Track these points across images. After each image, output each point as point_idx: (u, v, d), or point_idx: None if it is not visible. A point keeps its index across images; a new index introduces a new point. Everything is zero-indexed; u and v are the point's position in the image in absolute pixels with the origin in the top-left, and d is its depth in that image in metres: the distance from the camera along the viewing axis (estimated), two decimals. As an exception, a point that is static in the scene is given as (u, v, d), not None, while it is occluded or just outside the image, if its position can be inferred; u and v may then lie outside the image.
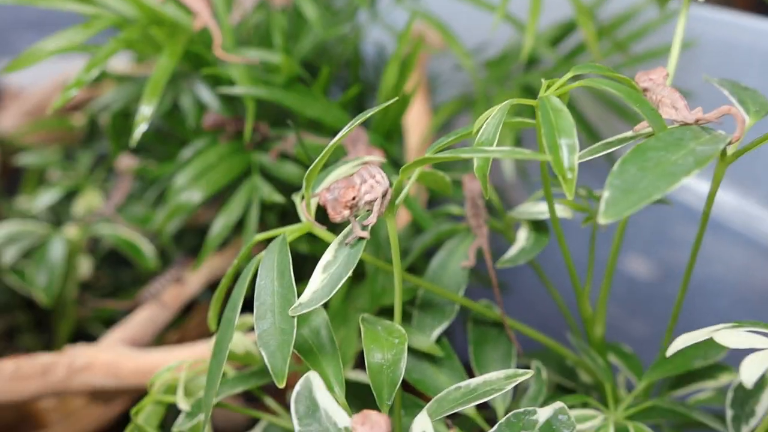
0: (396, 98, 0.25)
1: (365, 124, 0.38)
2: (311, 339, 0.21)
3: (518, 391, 0.26)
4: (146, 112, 0.29)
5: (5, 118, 0.57)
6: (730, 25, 0.36)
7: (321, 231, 0.22)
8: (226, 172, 0.33)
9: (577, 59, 0.41)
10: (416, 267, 0.31)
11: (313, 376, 0.19)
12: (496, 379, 0.20)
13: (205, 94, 0.36)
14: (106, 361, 0.33)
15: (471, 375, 0.25)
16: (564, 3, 0.37)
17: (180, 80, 0.37)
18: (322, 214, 0.22)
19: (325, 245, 0.21)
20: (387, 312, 0.28)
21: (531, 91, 0.41)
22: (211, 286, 0.41)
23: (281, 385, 0.18)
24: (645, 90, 0.22)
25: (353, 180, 0.19)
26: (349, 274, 0.18)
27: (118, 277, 0.47)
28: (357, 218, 0.20)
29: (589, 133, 0.40)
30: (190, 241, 0.42)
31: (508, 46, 0.43)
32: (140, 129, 0.30)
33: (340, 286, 0.18)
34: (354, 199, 0.18)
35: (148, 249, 0.38)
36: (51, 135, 0.51)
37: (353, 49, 0.41)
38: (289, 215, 0.35)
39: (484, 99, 0.40)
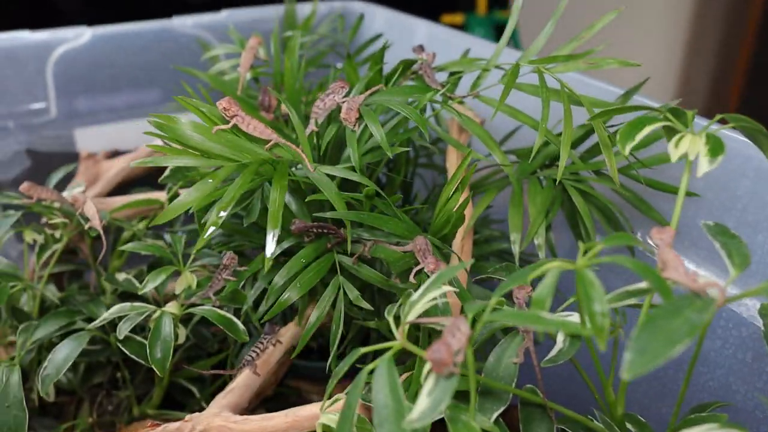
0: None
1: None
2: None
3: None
4: (221, 214, 0.37)
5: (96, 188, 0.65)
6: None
7: (414, 348, 0.30)
8: (316, 273, 0.40)
9: (592, 158, 0.48)
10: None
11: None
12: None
13: (293, 206, 0.44)
14: (218, 426, 0.41)
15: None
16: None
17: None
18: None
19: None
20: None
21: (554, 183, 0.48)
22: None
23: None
24: (656, 246, 0.29)
25: (447, 339, 0.26)
26: (448, 400, 0.26)
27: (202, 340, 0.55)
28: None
29: (607, 220, 0.47)
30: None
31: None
32: (210, 231, 0.37)
33: (441, 409, 0.26)
34: (454, 354, 0.26)
35: (240, 325, 0.46)
36: (138, 211, 0.59)
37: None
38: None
39: (519, 192, 0.48)
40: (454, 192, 0.40)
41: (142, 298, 0.53)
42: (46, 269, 0.54)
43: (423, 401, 0.27)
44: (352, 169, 0.42)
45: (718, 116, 0.32)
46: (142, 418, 0.54)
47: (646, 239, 0.48)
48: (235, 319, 0.46)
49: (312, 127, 0.46)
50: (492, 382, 0.33)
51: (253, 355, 0.46)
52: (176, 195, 0.55)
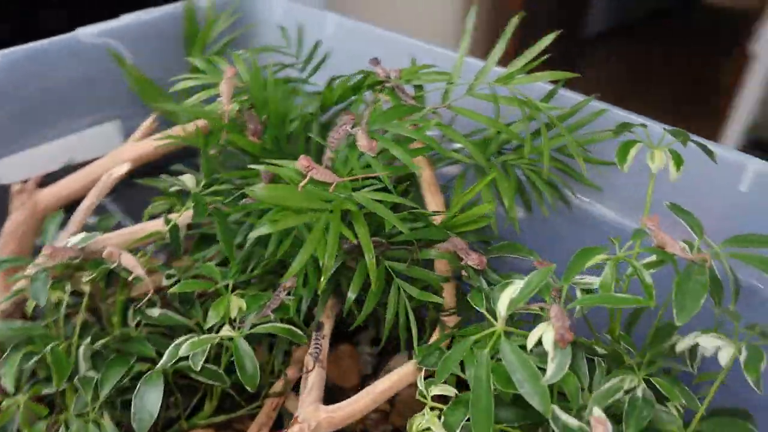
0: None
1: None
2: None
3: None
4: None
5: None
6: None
7: (515, 330, 0.42)
8: (379, 285, 0.50)
9: (534, 141, 0.62)
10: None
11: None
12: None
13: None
14: (324, 418, 0.50)
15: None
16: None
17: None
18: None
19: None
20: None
21: (506, 167, 0.62)
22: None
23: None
24: (651, 230, 0.44)
25: (564, 323, 0.39)
26: (568, 364, 0.39)
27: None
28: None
29: (553, 190, 0.63)
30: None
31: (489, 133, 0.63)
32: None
33: (564, 372, 0.39)
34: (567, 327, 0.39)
35: (299, 331, 0.54)
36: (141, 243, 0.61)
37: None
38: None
39: (482, 172, 0.61)
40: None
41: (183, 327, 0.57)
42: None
43: (551, 366, 0.40)
44: (385, 189, 0.51)
45: (667, 129, 0.48)
46: (191, 429, 0.60)
47: (578, 196, 0.64)
48: (294, 328, 0.54)
49: (329, 154, 0.53)
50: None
51: (317, 353, 0.54)
52: (175, 226, 0.58)
